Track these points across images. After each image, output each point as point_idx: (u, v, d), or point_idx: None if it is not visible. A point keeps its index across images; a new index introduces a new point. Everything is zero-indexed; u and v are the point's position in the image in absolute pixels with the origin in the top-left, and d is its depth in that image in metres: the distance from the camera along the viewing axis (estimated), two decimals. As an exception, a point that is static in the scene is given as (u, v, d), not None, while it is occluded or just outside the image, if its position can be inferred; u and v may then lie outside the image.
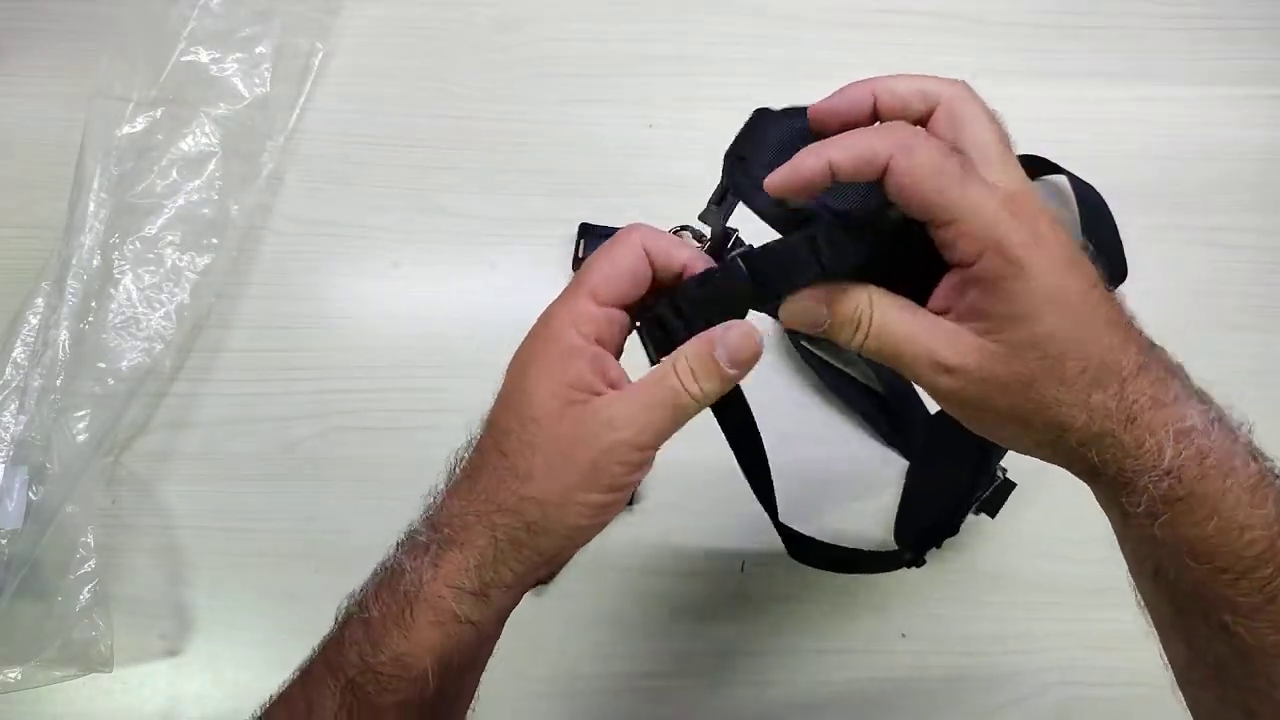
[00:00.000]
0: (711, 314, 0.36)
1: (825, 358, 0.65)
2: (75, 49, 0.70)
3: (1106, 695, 0.61)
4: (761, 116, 0.42)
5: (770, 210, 0.38)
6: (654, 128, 0.69)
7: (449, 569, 0.35)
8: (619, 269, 0.36)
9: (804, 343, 0.65)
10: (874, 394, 0.65)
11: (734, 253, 0.38)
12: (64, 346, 0.62)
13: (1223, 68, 0.70)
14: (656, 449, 0.36)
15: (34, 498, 0.61)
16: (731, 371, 0.35)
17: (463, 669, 0.37)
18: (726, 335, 0.35)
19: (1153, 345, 0.34)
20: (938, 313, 0.34)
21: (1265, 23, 0.71)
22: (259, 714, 0.37)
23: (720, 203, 0.48)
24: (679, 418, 0.36)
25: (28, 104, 0.70)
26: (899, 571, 0.63)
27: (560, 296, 0.37)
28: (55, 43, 0.71)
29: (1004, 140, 0.35)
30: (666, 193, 0.68)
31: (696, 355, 0.35)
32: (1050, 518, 0.64)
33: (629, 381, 0.36)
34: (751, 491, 0.65)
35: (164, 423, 0.65)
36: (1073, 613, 0.63)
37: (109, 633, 0.61)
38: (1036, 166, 0.67)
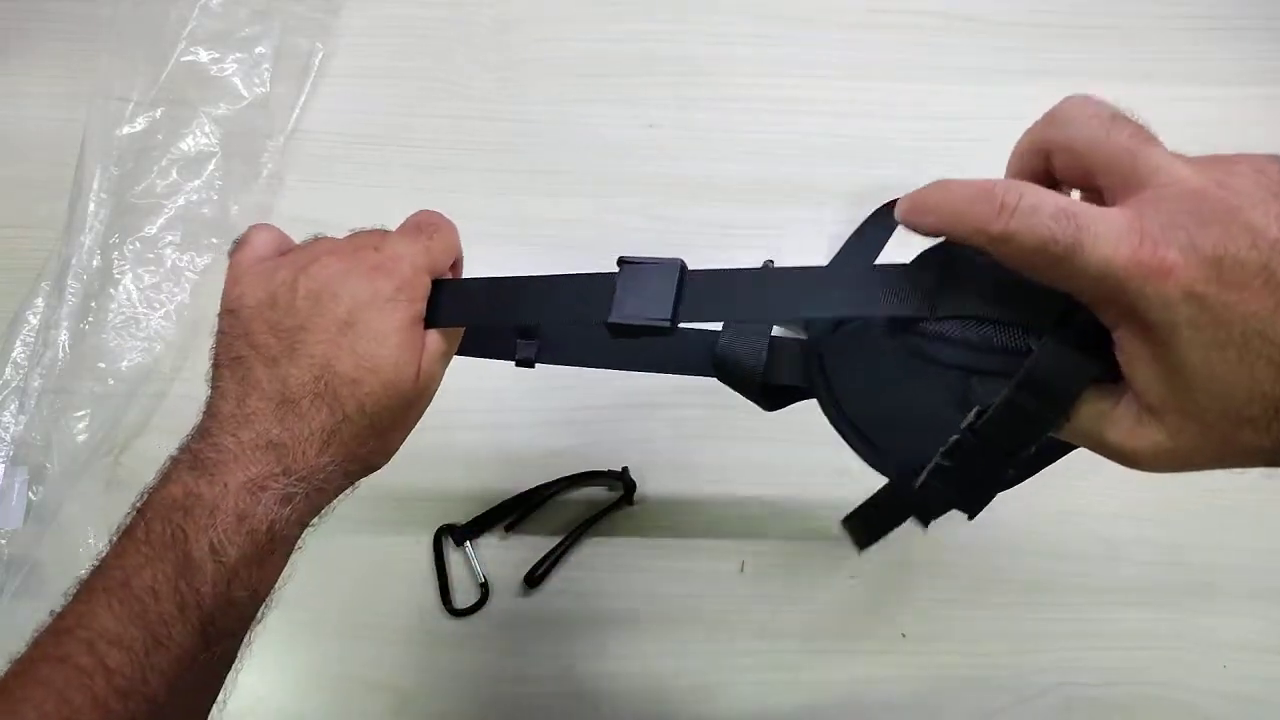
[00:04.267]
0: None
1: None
2: (75, 49, 0.70)
3: (1107, 695, 0.61)
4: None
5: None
6: (654, 128, 0.69)
7: (306, 511, 0.37)
8: (448, 258, 0.43)
9: None
10: None
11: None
12: (64, 346, 0.62)
13: (1223, 68, 0.70)
14: None
15: (34, 498, 0.61)
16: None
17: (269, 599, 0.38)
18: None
19: None
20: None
21: (1265, 23, 0.71)
22: (71, 611, 0.35)
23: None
24: None
25: (28, 104, 0.70)
26: (899, 572, 0.63)
27: (411, 257, 0.40)
28: (55, 43, 0.71)
29: (1133, 141, 0.30)
30: (667, 193, 0.68)
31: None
32: (1051, 517, 0.64)
33: None
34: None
35: (164, 423, 0.65)
36: (1074, 613, 0.63)
37: (109, 633, 0.61)
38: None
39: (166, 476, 0.36)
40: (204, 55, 0.66)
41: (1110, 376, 0.29)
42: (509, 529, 0.63)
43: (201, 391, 0.66)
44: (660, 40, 0.71)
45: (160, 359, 0.63)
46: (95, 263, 0.63)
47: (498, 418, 0.65)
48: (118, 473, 0.64)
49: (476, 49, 0.71)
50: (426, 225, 0.41)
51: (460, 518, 0.63)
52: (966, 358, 0.32)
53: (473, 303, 0.42)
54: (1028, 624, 0.63)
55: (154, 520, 0.34)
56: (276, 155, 0.67)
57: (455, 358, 0.43)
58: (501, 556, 0.63)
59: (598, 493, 0.64)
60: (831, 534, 0.64)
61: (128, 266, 0.64)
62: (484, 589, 0.62)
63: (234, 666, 0.37)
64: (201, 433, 0.36)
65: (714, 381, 0.65)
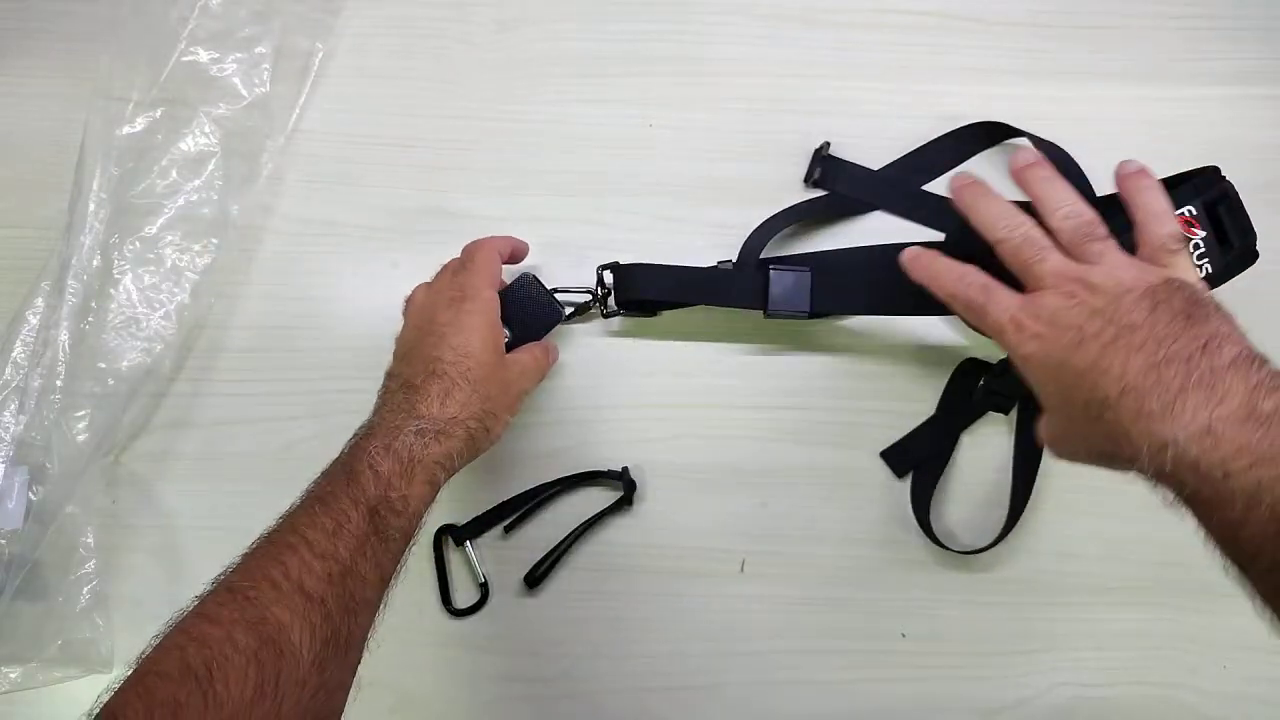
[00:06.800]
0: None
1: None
2: (75, 49, 0.70)
3: (1107, 695, 0.61)
4: None
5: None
6: (654, 128, 0.69)
7: (438, 451, 0.50)
8: (499, 269, 0.59)
9: None
10: None
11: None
12: (64, 346, 0.62)
13: (1223, 68, 0.70)
14: None
15: (34, 498, 0.61)
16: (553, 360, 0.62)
17: (419, 522, 0.51)
18: (553, 345, 0.63)
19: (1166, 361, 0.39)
20: None
21: (1265, 23, 0.71)
22: (277, 525, 0.47)
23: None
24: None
25: (28, 104, 0.70)
26: (899, 572, 0.63)
27: (475, 282, 0.56)
28: (55, 43, 0.71)
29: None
30: (667, 193, 0.68)
31: (550, 349, 0.62)
32: (1051, 517, 0.64)
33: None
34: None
35: (164, 423, 0.65)
36: (1074, 612, 0.63)
37: (109, 633, 0.61)
38: (997, 132, 0.68)
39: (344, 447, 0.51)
40: (204, 55, 0.66)
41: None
42: (509, 529, 0.64)
43: (200, 390, 0.66)
44: (660, 40, 0.71)
45: (160, 359, 0.63)
46: (95, 263, 0.63)
47: (498, 418, 0.65)
48: (118, 473, 0.64)
49: (476, 49, 0.71)
50: (469, 256, 0.59)
51: (460, 518, 0.64)
52: None
53: (662, 283, 0.63)
54: (1028, 624, 0.63)
55: (332, 463, 0.50)
56: (276, 155, 0.67)
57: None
58: (501, 556, 0.63)
59: (598, 493, 0.64)
60: (831, 535, 0.64)
61: (128, 266, 0.64)
62: (484, 589, 0.62)
63: (396, 573, 0.49)
64: (365, 424, 0.53)
65: (712, 382, 0.66)
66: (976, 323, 0.48)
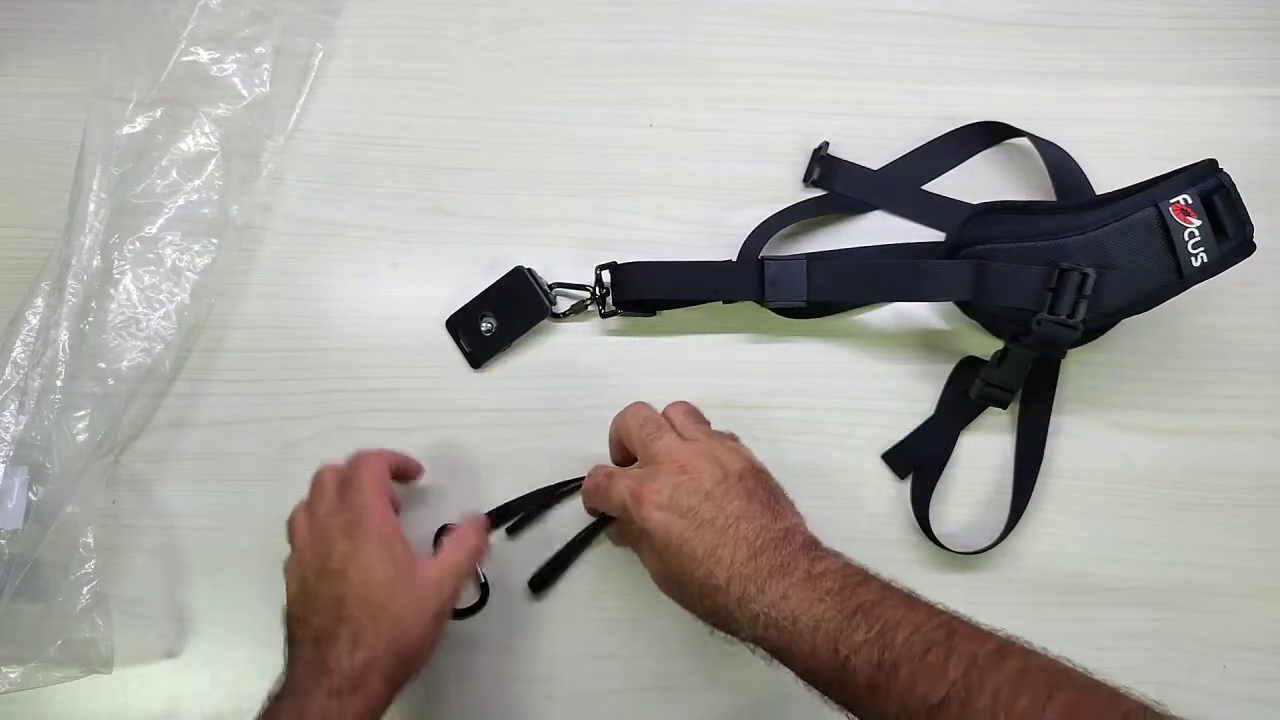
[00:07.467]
0: None
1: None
2: (75, 49, 0.70)
3: (1107, 695, 0.61)
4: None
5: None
6: (654, 128, 0.69)
7: (358, 705, 0.49)
8: (388, 481, 0.56)
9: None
10: None
11: None
12: (64, 346, 0.62)
13: (1223, 68, 0.70)
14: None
15: (34, 498, 0.61)
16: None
17: None
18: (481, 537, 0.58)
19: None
20: None
21: (1265, 23, 0.71)
22: None
23: None
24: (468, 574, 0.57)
25: (28, 104, 0.70)
26: (899, 572, 0.63)
27: (364, 500, 0.54)
28: (55, 43, 0.71)
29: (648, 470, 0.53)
30: (666, 193, 0.68)
31: (473, 543, 0.57)
32: (1051, 518, 0.64)
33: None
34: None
35: (164, 423, 0.65)
36: (1074, 612, 0.63)
37: (109, 633, 0.61)
38: (997, 132, 0.68)
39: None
40: (204, 55, 0.66)
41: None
42: (510, 532, 0.63)
43: (200, 390, 0.66)
44: (660, 40, 0.71)
45: (160, 359, 0.63)
46: (95, 263, 0.63)
47: (500, 418, 0.65)
48: (118, 473, 0.64)
49: (476, 49, 0.71)
50: (353, 471, 0.56)
51: (461, 519, 0.64)
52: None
53: (659, 281, 0.64)
54: (1028, 624, 0.62)
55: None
56: (276, 155, 0.67)
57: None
58: (502, 558, 0.63)
59: (598, 493, 0.64)
60: (831, 535, 0.64)
61: (128, 266, 0.64)
62: (484, 589, 0.62)
63: None
64: (277, 682, 0.51)
65: (712, 382, 0.66)
66: (604, 506, 0.54)
